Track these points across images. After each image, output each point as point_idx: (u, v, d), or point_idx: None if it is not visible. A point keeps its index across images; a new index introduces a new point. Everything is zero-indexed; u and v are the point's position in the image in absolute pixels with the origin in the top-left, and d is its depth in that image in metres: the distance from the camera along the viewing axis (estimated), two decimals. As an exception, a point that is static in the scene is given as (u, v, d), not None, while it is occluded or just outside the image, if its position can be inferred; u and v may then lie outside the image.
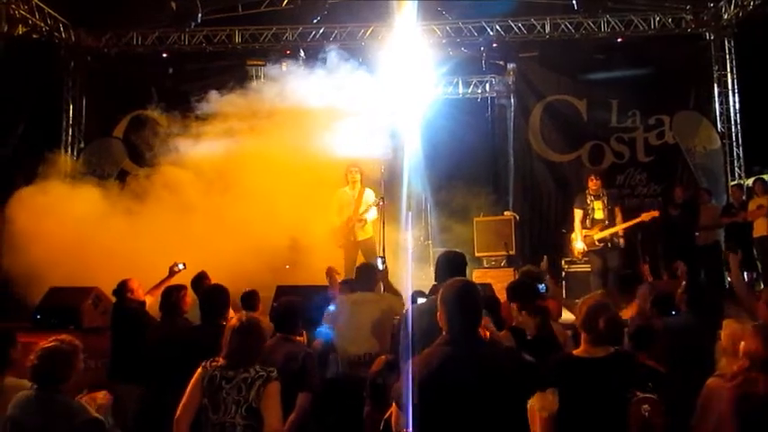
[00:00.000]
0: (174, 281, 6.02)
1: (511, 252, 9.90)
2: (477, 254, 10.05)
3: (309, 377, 4.28)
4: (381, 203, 8.18)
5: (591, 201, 8.78)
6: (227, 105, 10.22)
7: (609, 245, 8.63)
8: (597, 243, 8.68)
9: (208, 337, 4.38)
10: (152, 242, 8.43)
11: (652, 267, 7.40)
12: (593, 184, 8.81)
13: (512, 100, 12.11)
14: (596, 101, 11.56)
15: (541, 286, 4.05)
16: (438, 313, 2.97)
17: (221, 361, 3.58)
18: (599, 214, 8.70)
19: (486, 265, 9.94)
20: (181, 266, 6.34)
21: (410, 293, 5.21)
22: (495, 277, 8.52)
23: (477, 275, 9.16)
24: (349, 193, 8.60)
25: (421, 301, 4.31)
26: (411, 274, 7.20)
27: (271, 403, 3.46)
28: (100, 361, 6.52)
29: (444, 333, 2.92)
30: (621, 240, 8.64)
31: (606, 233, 8.62)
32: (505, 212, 10.66)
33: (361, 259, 8.12)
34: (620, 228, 8.63)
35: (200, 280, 5.96)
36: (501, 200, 11.46)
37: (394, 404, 2.93)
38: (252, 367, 3.52)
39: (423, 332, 3.52)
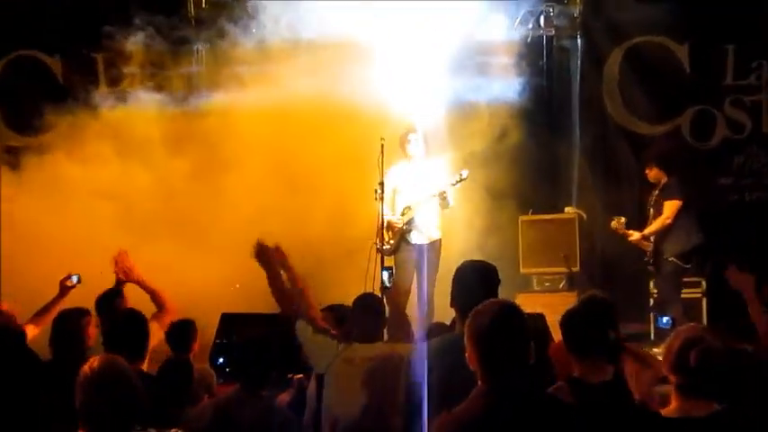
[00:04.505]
0: (68, 301, 6.05)
1: (574, 269, 9.97)
2: (522, 269, 10.12)
3: None
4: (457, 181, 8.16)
5: (653, 193, 9.41)
6: (153, 43, 10.26)
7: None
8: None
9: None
10: (39, 246, 8.59)
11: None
12: (649, 171, 9.44)
13: (578, 41, 12.10)
14: (704, 46, 11.57)
15: (666, 319, 4.06)
16: (467, 352, 3.02)
17: None
18: (651, 210, 9.37)
19: (536, 288, 10.04)
20: (74, 280, 6.34)
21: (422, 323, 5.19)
22: (549, 305, 8.42)
23: (522, 301, 9.06)
24: (409, 169, 8.31)
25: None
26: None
27: None
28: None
29: (480, 382, 2.99)
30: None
31: (637, 236, 9.26)
32: (567, 209, 10.64)
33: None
34: (652, 230, 9.17)
35: (109, 300, 6.01)
36: (560, 190, 11.37)
37: None
38: None
39: (443, 379, 3.65)
